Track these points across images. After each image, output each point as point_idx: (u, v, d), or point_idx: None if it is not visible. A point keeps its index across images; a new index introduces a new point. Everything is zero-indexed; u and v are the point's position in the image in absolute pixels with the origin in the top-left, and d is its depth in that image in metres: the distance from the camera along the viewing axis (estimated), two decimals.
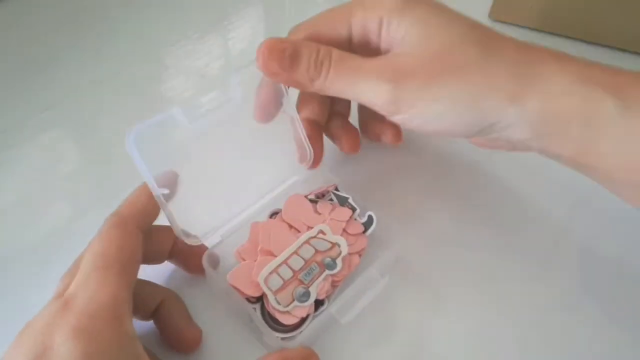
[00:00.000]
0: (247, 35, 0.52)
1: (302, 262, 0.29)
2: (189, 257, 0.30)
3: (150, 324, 0.29)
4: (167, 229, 0.28)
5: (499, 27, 0.54)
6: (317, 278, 0.29)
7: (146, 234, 0.27)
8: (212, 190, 0.30)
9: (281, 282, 0.28)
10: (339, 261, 0.29)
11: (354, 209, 0.33)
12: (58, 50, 0.50)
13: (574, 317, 0.31)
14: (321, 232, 0.30)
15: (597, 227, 0.35)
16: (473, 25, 0.26)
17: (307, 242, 0.30)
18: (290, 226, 0.31)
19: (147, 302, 0.28)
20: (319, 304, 0.29)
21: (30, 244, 0.35)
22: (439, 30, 0.25)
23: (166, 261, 0.31)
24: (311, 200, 0.33)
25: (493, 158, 0.39)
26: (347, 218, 0.32)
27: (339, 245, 0.30)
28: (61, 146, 0.42)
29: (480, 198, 0.37)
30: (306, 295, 0.28)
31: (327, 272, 0.29)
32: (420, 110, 0.26)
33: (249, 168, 0.32)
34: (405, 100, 0.25)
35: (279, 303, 0.27)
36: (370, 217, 0.32)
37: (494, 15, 0.54)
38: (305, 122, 0.33)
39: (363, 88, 0.26)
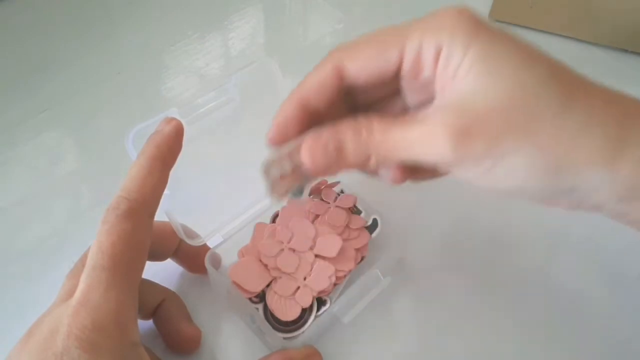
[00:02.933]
0: (247, 35, 0.52)
1: None
2: (192, 256, 0.30)
3: (150, 323, 0.29)
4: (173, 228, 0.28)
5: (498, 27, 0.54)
6: None
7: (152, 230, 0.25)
8: (214, 190, 0.30)
9: (278, 174, 0.25)
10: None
11: (358, 212, 0.33)
12: (58, 50, 0.50)
13: (573, 317, 0.31)
14: None
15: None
16: (554, 68, 0.21)
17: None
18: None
19: (147, 301, 0.28)
20: (321, 303, 0.29)
21: (30, 244, 0.35)
22: (511, 73, 0.21)
23: (167, 259, 0.30)
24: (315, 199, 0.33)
25: None
26: (352, 204, 0.32)
27: None
28: (61, 146, 0.42)
29: (481, 204, 0.37)
30: (300, 190, 0.26)
31: None
32: (486, 173, 0.22)
33: (250, 168, 0.32)
34: (469, 162, 0.22)
35: (273, 195, 0.25)
36: (375, 221, 0.32)
37: (494, 15, 0.54)
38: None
39: (420, 153, 0.22)
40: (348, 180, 0.35)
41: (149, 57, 0.50)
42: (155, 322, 0.29)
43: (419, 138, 0.22)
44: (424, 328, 0.30)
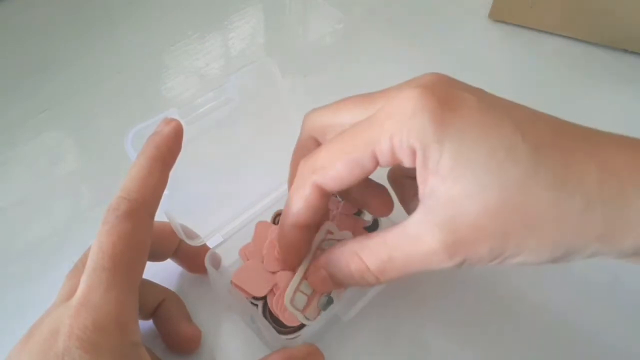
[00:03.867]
0: (247, 35, 0.52)
1: None
2: (192, 256, 0.30)
3: (150, 323, 0.29)
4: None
5: (499, 27, 0.54)
6: None
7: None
8: (214, 190, 0.30)
9: (305, 298, 0.27)
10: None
11: (359, 213, 0.33)
12: (58, 50, 0.50)
13: (574, 318, 0.31)
14: (329, 232, 0.29)
15: None
16: (536, 138, 0.20)
17: (318, 248, 0.29)
18: None
19: (147, 301, 0.28)
20: None
21: (30, 244, 0.35)
22: (494, 164, 0.20)
23: (167, 259, 0.30)
24: None
25: None
26: (355, 210, 0.32)
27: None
28: (61, 146, 0.42)
29: None
30: (330, 301, 0.27)
31: None
32: (497, 265, 0.22)
33: (250, 168, 0.32)
34: (476, 263, 0.22)
35: (308, 319, 0.27)
36: (375, 222, 0.32)
37: (494, 15, 0.54)
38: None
39: (424, 268, 0.22)
40: None
41: (149, 57, 0.50)
42: (155, 322, 0.29)
43: (419, 259, 0.22)
44: (424, 327, 0.31)
